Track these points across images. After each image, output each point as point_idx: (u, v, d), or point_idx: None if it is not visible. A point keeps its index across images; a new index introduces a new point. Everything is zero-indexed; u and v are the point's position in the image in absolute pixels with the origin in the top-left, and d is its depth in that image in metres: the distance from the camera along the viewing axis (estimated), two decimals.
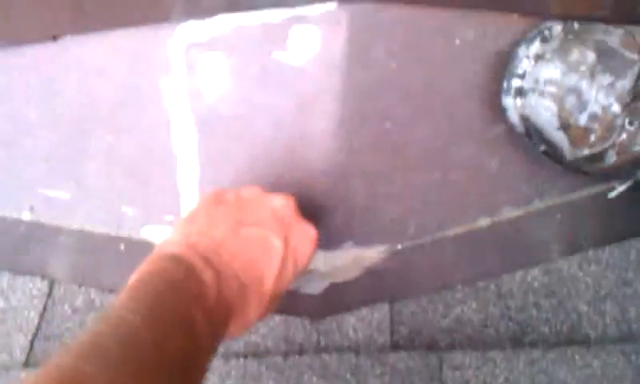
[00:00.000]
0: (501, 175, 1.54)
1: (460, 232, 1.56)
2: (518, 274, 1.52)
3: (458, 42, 1.40)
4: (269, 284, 1.13)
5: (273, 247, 1.15)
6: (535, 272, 1.52)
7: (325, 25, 1.36)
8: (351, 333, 1.48)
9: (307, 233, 1.23)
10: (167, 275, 1.01)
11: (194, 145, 1.52)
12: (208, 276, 1.03)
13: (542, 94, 1.30)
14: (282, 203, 1.23)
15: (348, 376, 1.41)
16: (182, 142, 1.52)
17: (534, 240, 1.57)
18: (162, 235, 1.57)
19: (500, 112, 1.45)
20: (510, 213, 1.57)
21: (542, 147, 1.39)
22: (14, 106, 1.64)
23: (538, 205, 1.58)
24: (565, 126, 1.29)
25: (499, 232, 1.56)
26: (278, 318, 1.51)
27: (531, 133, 1.38)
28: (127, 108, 1.56)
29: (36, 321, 1.59)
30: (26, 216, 1.70)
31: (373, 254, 1.53)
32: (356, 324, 1.49)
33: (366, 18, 1.35)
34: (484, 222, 1.56)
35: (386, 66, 1.40)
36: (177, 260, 1.05)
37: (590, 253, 1.54)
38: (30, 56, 1.60)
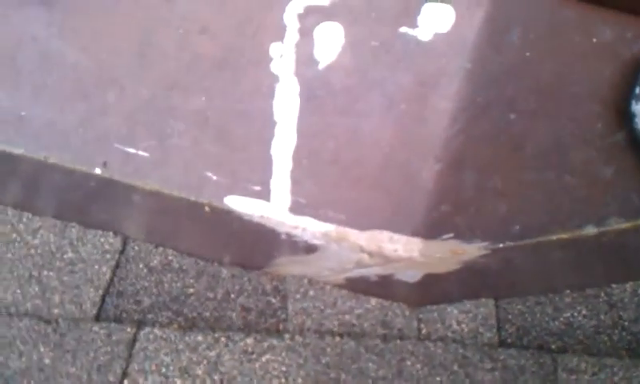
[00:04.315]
0: (613, 184, 1.60)
1: (565, 238, 1.61)
2: (629, 286, 1.58)
3: (594, 40, 1.47)
4: None
5: None
6: None
7: (463, 2, 1.41)
8: (455, 325, 1.55)
9: None
10: None
11: (296, 114, 1.55)
12: None
13: None
14: None
15: (455, 367, 1.47)
16: (284, 109, 1.54)
17: None
18: (247, 206, 1.58)
19: (624, 118, 1.51)
20: (617, 224, 1.62)
21: None
22: (103, 55, 1.69)
23: None
24: None
25: (606, 242, 1.62)
26: (373, 301, 1.57)
27: None
28: (227, 70, 1.62)
29: (108, 276, 1.64)
30: (98, 171, 1.71)
31: (473, 250, 1.57)
32: (460, 317, 1.56)
33: (506, 1, 1.39)
34: (591, 230, 1.61)
35: (520, 53, 1.46)
36: None
37: None
38: (129, 2, 1.63)
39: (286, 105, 1.57)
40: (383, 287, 1.58)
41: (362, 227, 1.60)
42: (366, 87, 1.51)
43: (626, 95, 1.50)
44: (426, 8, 1.43)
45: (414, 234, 1.58)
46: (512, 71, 1.46)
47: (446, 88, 1.46)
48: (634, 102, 1.48)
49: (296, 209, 1.62)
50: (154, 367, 1.50)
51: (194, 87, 1.64)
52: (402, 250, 1.58)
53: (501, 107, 1.48)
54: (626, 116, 1.51)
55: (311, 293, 1.57)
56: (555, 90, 1.50)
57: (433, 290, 1.59)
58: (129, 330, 1.53)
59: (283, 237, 1.61)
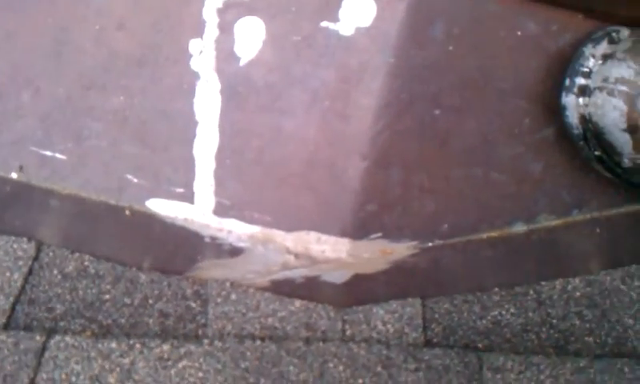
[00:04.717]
0: (543, 181, 1.60)
1: (494, 236, 1.60)
2: (558, 283, 1.58)
3: (519, 33, 1.47)
4: None
5: None
6: (576, 282, 1.59)
7: None
8: (380, 325, 1.53)
9: None
10: None
11: (217, 112, 1.52)
12: None
13: (611, 92, 1.36)
14: None
15: (378, 368, 1.45)
16: (205, 108, 1.52)
17: (572, 251, 1.63)
18: (170, 209, 1.54)
19: (552, 114, 1.51)
20: (547, 221, 1.62)
21: (597, 152, 1.45)
22: (17, 55, 1.65)
23: (577, 216, 1.63)
24: (632, 128, 1.37)
25: (536, 240, 1.63)
26: (298, 303, 1.55)
27: (588, 135, 1.45)
28: (146, 67, 1.58)
29: (19, 283, 1.58)
30: (14, 175, 1.65)
31: (401, 249, 1.56)
32: (385, 317, 1.55)
33: None
34: (520, 228, 1.61)
35: (443, 48, 1.45)
36: None
37: (633, 268, 1.59)
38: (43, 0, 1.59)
39: (208, 103, 1.54)
40: (309, 289, 1.56)
41: (289, 228, 1.57)
42: (289, 83, 1.49)
43: (554, 90, 1.51)
44: (347, 1, 1.40)
45: (342, 234, 1.55)
46: (435, 66, 1.45)
47: (369, 83, 1.44)
48: (564, 95, 1.48)
49: (221, 211, 1.59)
50: (63, 376, 1.45)
51: (112, 86, 1.60)
52: (330, 251, 1.56)
53: (425, 103, 1.47)
54: (555, 111, 1.51)
55: (233, 296, 1.54)
56: (480, 85, 1.49)
57: (360, 290, 1.57)
58: (38, 338, 1.48)
59: (207, 240, 1.58)
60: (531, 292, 1.58)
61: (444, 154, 1.53)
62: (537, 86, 1.51)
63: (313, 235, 1.56)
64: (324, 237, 1.55)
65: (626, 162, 1.42)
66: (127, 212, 1.61)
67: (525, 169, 1.58)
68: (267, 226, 1.58)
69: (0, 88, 1.66)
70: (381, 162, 1.50)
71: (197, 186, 1.58)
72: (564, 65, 1.48)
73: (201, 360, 1.46)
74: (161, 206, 1.60)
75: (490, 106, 1.51)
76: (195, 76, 1.53)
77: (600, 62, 1.40)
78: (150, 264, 1.61)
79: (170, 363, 1.46)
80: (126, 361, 1.47)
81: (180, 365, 1.46)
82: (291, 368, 1.45)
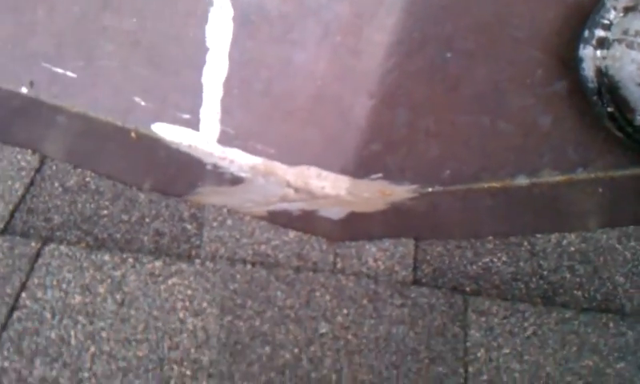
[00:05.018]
0: (550, 135, 1.59)
1: (496, 186, 1.59)
2: (554, 236, 1.58)
3: None
4: None
5: None
6: (571, 237, 1.59)
7: None
8: (371, 261, 1.54)
9: None
10: None
11: (229, 40, 1.52)
12: None
13: (630, 45, 1.35)
14: None
15: (364, 301, 1.46)
16: (217, 35, 1.52)
17: (572, 208, 1.62)
18: (175, 134, 1.56)
19: (566, 67, 1.50)
20: (550, 176, 1.61)
21: (610, 108, 1.44)
22: None
23: (581, 175, 1.62)
24: None
25: (537, 194, 1.62)
26: (292, 234, 1.56)
27: (602, 90, 1.44)
28: None
29: (20, 192, 1.61)
30: (24, 90, 1.67)
31: (401, 192, 1.56)
32: (377, 254, 1.55)
33: None
34: (522, 180, 1.60)
35: None
36: None
37: (631, 229, 1.58)
38: None
39: (219, 30, 1.54)
40: (305, 222, 1.57)
41: (291, 162, 1.59)
42: (302, 15, 1.49)
43: (569, 43, 1.49)
44: None
45: (343, 171, 1.57)
46: (451, 8, 1.44)
47: (383, 20, 1.44)
48: (581, 46, 1.47)
49: (225, 140, 1.60)
50: (54, 282, 1.47)
51: (127, 8, 1.61)
52: (330, 188, 1.57)
53: (437, 44, 1.47)
54: (569, 64, 1.50)
55: (229, 222, 1.55)
56: (495, 32, 1.48)
57: (355, 228, 1.58)
58: (33, 244, 1.51)
59: (209, 167, 1.59)
60: (525, 243, 1.58)
61: (452, 99, 1.52)
62: (552, 37, 1.49)
63: (314, 170, 1.57)
64: (325, 173, 1.56)
65: (639, 119, 1.41)
66: (132, 134, 1.63)
67: (533, 121, 1.57)
68: (270, 158, 1.59)
69: (15, 2, 1.66)
70: (388, 101, 1.50)
71: (203, 114, 1.59)
72: (581, 17, 1.46)
73: (191, 278, 1.48)
74: (166, 131, 1.61)
75: (503, 54, 1.50)
76: (209, 2, 1.53)
77: (621, 14, 1.39)
78: (150, 185, 1.62)
79: (160, 279, 1.48)
80: (118, 273, 1.49)
81: (170, 281, 1.48)
82: (279, 293, 1.47)
